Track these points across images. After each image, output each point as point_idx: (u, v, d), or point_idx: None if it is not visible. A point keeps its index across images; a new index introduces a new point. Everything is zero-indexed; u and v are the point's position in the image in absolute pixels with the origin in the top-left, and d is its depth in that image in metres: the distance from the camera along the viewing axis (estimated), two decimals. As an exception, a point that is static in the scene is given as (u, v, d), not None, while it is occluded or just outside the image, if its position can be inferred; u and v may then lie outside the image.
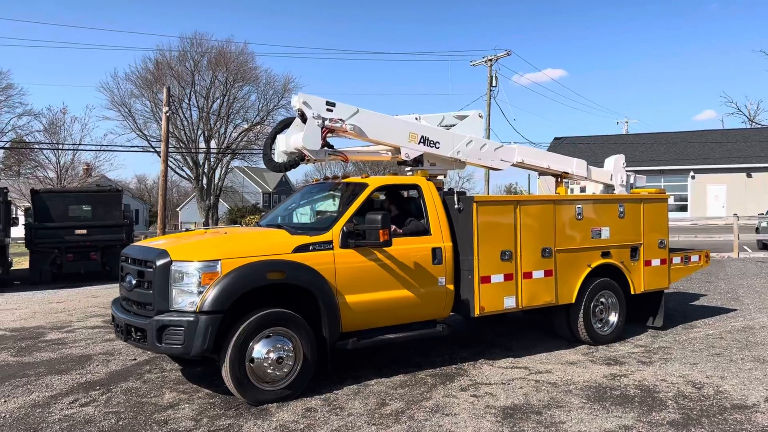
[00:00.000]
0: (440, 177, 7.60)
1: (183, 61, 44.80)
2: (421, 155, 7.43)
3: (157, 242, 6.11)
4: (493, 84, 37.24)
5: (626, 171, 9.43)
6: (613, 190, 9.28)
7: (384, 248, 6.17)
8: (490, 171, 39.24)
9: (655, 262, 8.28)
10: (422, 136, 7.25)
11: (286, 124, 6.95)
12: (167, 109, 21.84)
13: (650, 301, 8.47)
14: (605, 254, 7.82)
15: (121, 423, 5.07)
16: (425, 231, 6.69)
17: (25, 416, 5.29)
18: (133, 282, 5.78)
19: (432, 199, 6.81)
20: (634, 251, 8.06)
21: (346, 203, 6.42)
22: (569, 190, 9.36)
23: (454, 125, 7.95)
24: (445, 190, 7.30)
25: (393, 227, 6.55)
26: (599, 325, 7.86)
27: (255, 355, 5.44)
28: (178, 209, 68.83)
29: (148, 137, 44.04)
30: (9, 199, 17.92)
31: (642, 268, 8.13)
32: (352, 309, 6.01)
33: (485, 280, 6.78)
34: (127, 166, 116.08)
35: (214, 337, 5.27)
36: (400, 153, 7.41)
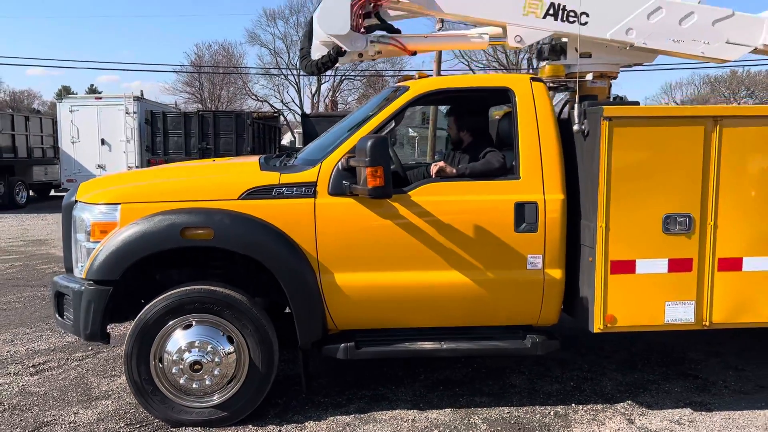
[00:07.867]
0: (591, 79, 4.33)
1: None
2: (561, 40, 4.32)
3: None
4: None
5: None
6: None
7: (413, 199, 3.59)
8: None
9: None
10: (551, 4, 4.13)
11: None
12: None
13: None
14: None
15: None
16: (505, 170, 3.78)
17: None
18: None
19: (532, 116, 3.78)
20: None
21: (363, 122, 3.89)
22: None
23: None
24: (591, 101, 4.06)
25: (440, 165, 3.84)
26: None
27: (167, 351, 3.56)
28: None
29: (470, 61, 42.59)
30: (270, 124, 19.15)
31: None
32: (347, 295, 3.63)
33: (621, 267, 3.60)
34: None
35: (100, 320, 3.55)
36: (506, 36, 4.42)
